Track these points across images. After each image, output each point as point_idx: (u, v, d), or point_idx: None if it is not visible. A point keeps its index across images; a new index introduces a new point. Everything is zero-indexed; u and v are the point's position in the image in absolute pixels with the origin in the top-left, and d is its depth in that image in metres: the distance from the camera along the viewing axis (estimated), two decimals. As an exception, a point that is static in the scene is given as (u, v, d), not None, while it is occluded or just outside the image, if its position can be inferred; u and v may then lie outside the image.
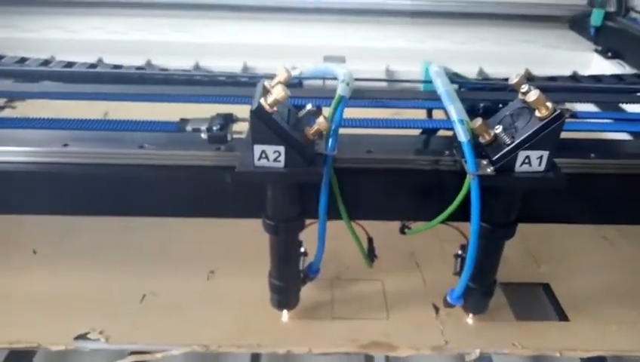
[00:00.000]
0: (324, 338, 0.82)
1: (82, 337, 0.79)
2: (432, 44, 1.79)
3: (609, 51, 1.71)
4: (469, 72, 1.62)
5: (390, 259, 0.98)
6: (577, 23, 1.94)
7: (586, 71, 1.68)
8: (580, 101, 0.97)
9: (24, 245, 0.98)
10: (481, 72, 1.68)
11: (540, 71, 1.61)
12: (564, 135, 0.81)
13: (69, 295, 0.87)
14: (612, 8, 1.76)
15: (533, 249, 1.03)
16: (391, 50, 1.74)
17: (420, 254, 0.99)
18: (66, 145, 0.75)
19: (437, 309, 0.87)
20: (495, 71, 1.64)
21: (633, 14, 1.71)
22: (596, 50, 1.75)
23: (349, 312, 0.87)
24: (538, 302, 0.93)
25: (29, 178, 0.77)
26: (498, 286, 0.92)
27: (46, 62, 1.01)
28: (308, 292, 0.88)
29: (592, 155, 0.79)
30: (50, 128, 0.79)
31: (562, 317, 0.88)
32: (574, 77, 1.04)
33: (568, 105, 1.00)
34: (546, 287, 0.95)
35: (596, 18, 1.77)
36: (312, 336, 0.82)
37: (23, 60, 1.02)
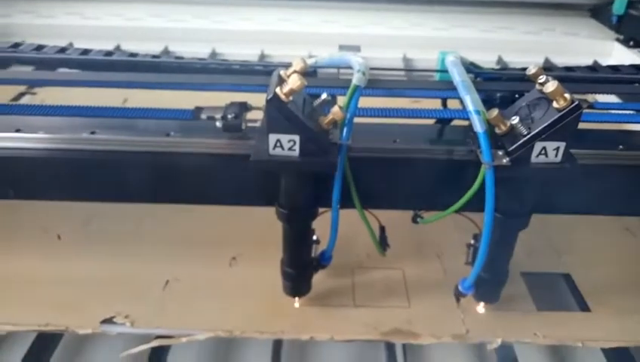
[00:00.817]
0: (346, 326, 0.82)
1: (108, 321, 0.81)
2: (451, 32, 1.77)
3: (631, 40, 1.68)
4: (489, 60, 1.63)
5: (411, 248, 0.98)
6: (599, 12, 1.91)
7: (606, 60, 1.66)
8: (599, 92, 0.96)
9: (50, 231, 0.99)
10: (500, 60, 1.66)
11: (560, 60, 1.62)
12: (587, 126, 0.80)
13: (94, 280, 0.89)
14: (636, -4, 1.73)
15: (554, 239, 1.03)
16: (410, 37, 1.73)
17: (441, 244, 0.99)
18: (93, 132, 0.76)
19: (458, 298, 0.87)
20: (515, 60, 1.62)
21: (657, 2, 1.68)
22: (618, 39, 1.72)
23: (370, 300, 0.87)
24: (559, 292, 0.93)
25: (56, 164, 0.78)
26: (519, 276, 0.93)
27: (63, 50, 1.01)
28: (330, 280, 0.90)
29: (621, 147, 0.78)
30: (68, 115, 0.80)
31: (583, 307, 0.88)
32: (592, 67, 1.02)
33: (590, 96, 0.99)
34: (568, 277, 0.94)
35: (619, 6, 1.73)
36: (334, 323, 0.83)
37: (40, 48, 1.02)
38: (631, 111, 0.92)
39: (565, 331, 0.83)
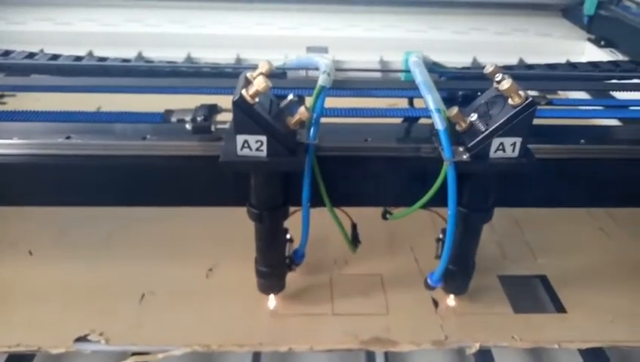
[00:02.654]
0: (326, 335, 0.82)
1: (82, 339, 0.79)
2: (425, 34, 1.78)
3: (602, 40, 1.71)
4: (465, 61, 1.64)
5: (389, 253, 0.99)
6: (570, 12, 1.94)
7: (579, 59, 1.68)
8: (555, 89, 0.99)
9: (20, 245, 0.97)
10: (475, 61, 1.68)
11: (534, 60, 1.63)
12: (551, 121, 0.82)
13: (67, 296, 0.87)
14: (606, -3, 1.76)
15: (530, 241, 1.04)
16: (387, 40, 1.73)
17: (419, 248, 0.99)
18: (68, 137, 0.75)
19: (436, 304, 0.88)
20: (489, 60, 1.63)
21: (626, 2, 1.71)
22: (589, 39, 1.75)
23: (349, 308, 0.87)
24: (536, 294, 0.93)
25: (33, 170, 0.77)
26: (496, 279, 0.94)
27: (31, 55, 0.99)
28: (308, 288, 0.90)
29: (582, 141, 0.80)
30: (41, 121, 0.79)
31: (560, 309, 0.89)
32: (552, 65, 1.04)
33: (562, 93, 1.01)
34: (544, 279, 0.95)
35: (589, 7, 1.76)
36: (313, 333, 0.82)
37: (7, 53, 0.99)
38: (592, 107, 0.95)
39: (542, 333, 0.84)
